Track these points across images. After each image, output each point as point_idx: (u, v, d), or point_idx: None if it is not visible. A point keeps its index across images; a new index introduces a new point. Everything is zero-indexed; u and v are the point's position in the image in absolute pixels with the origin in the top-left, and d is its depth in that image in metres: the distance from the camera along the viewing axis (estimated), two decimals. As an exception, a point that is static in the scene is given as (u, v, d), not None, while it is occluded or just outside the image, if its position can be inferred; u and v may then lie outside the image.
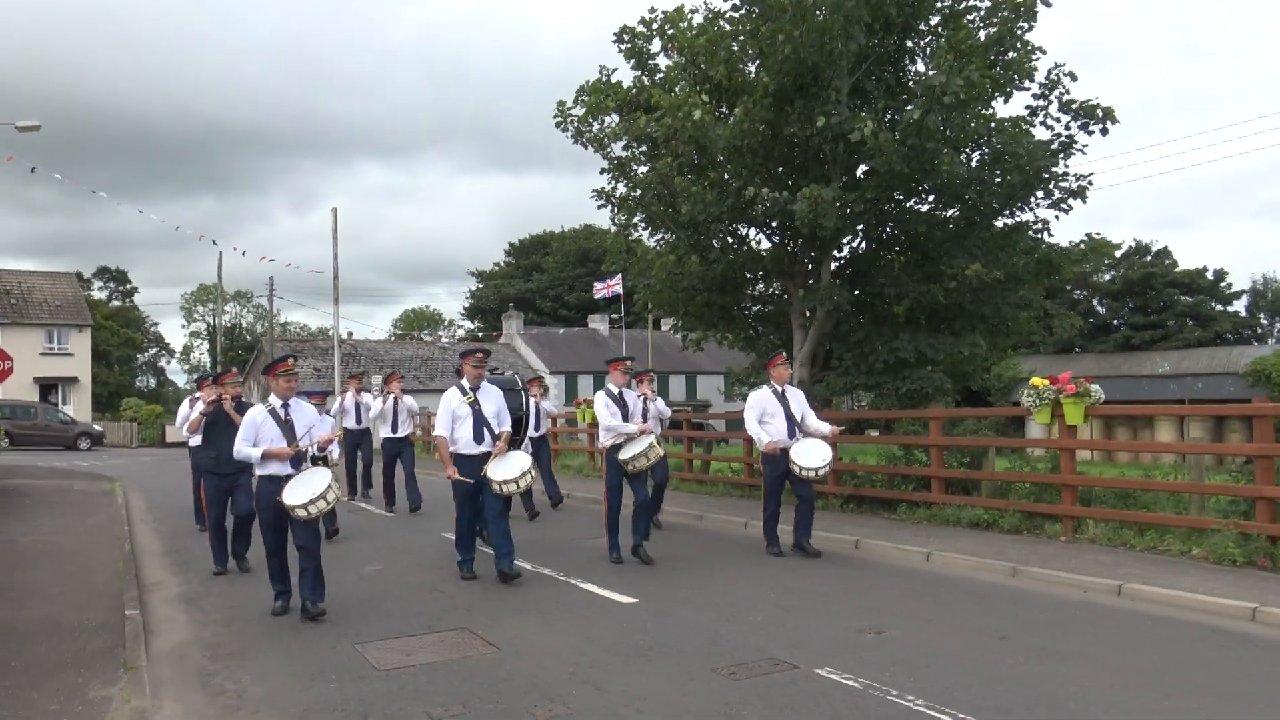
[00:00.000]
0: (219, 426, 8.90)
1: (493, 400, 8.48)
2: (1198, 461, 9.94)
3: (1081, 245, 14.22)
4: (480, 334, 70.01)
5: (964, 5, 13.27)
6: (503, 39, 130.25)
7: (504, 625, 6.79)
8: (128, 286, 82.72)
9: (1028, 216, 13.99)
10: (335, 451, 10.27)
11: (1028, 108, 14.01)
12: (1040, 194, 13.21)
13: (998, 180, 12.75)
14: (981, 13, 13.07)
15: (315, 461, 7.31)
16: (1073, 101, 13.23)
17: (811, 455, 9.25)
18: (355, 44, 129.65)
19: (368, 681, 5.49)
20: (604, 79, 14.34)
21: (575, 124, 14.16)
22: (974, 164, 12.60)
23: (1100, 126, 13.18)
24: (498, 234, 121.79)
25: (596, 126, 14.17)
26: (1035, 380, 10.38)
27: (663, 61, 14.23)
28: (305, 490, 6.93)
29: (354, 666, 5.79)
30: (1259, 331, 60.25)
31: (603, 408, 9.47)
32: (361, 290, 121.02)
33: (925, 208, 13.49)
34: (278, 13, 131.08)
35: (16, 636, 6.40)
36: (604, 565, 9.06)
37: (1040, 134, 13.76)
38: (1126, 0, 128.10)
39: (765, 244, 14.70)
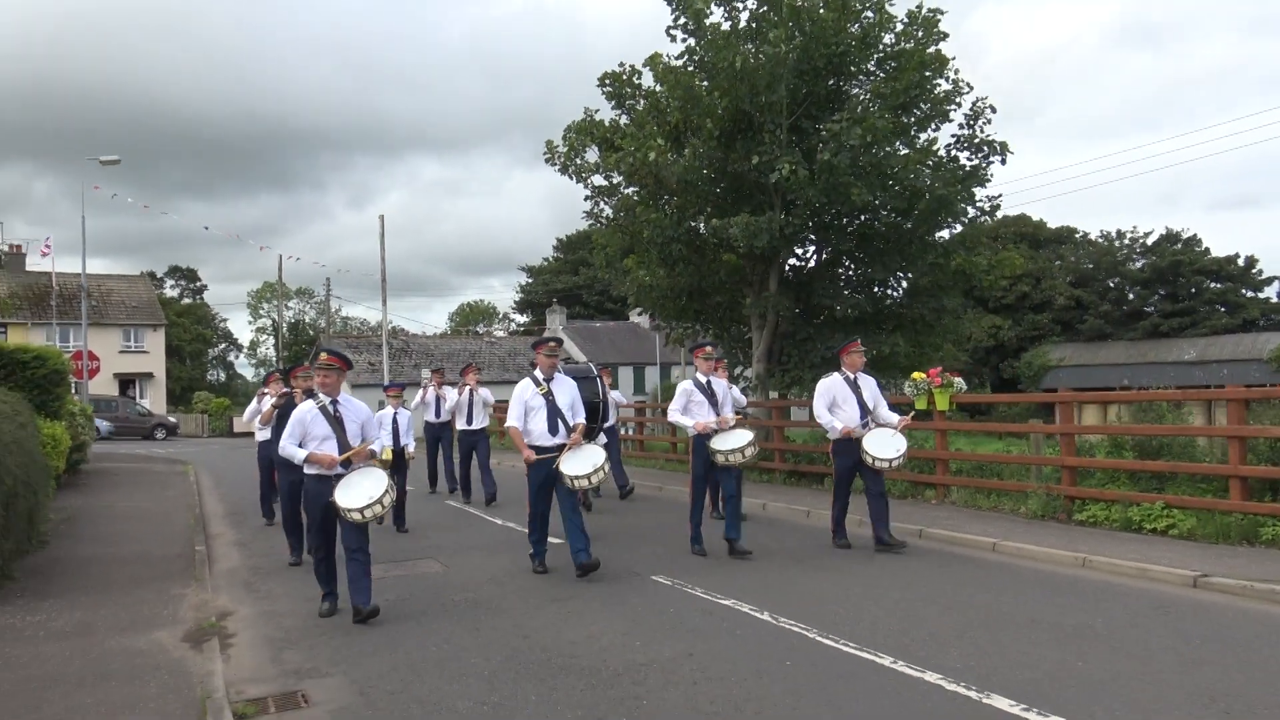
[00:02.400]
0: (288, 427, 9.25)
1: (566, 391, 8.32)
2: (1036, 439, 12.21)
3: (989, 259, 16.46)
4: (530, 328, 73.15)
5: (883, 55, 15.66)
6: (557, 33, 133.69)
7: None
8: (198, 284, 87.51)
9: (946, 234, 16.37)
10: (412, 446, 11.02)
11: (954, 136, 16.40)
12: (950, 217, 15.48)
13: (915, 211, 15.07)
14: (895, 66, 15.43)
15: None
16: (974, 137, 15.58)
17: (886, 445, 8.99)
18: (411, 41, 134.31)
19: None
20: (587, 119, 16.92)
21: (561, 159, 16.76)
22: (885, 194, 14.86)
23: (1000, 158, 15.57)
24: (551, 228, 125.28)
25: (579, 160, 16.75)
26: (915, 374, 12.74)
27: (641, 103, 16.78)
28: (361, 493, 6.68)
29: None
30: (1281, 316, 60.51)
31: (684, 397, 9.19)
32: (420, 283, 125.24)
33: (852, 229, 15.81)
34: (335, 13, 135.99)
35: (123, 562, 9.23)
36: (695, 560, 8.81)
37: (971, 155, 16.22)
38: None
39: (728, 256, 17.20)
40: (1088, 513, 10.24)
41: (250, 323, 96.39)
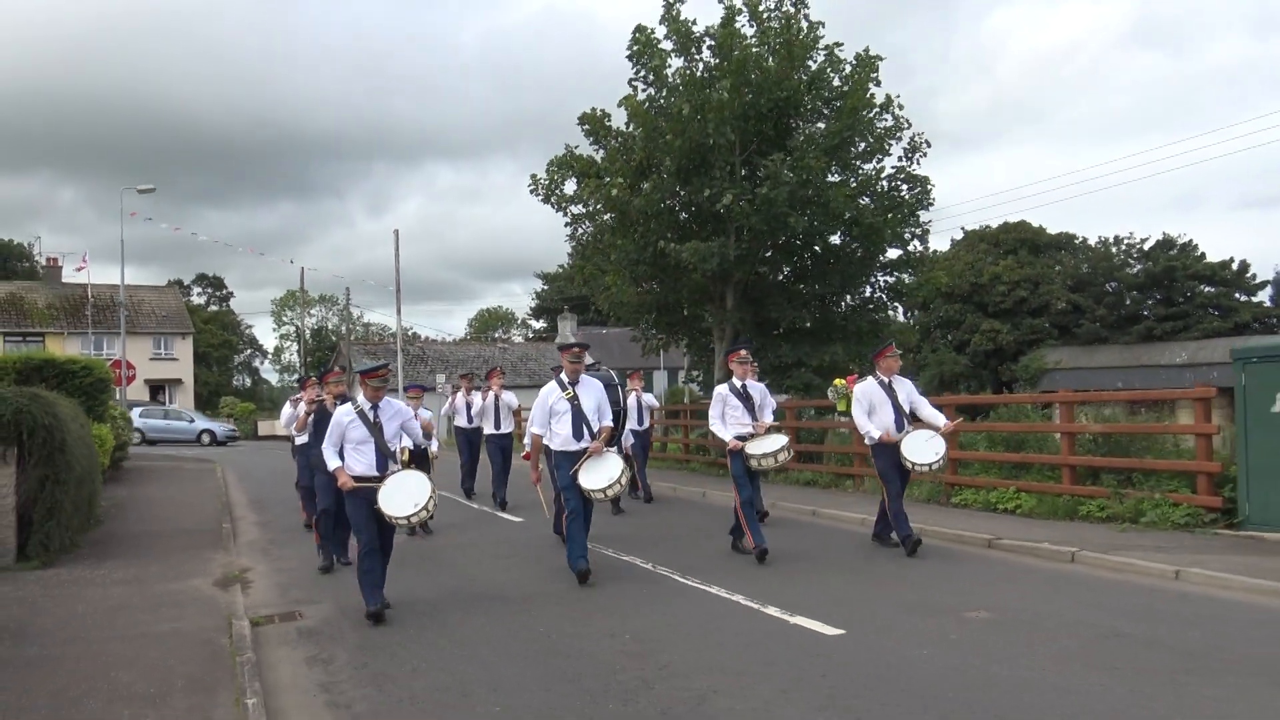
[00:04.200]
0: (325, 424, 8.33)
1: (592, 395, 8.21)
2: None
3: (918, 279, 18.54)
4: (545, 334, 75.41)
5: (830, 94, 17.75)
6: (569, 39, 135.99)
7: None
8: (224, 292, 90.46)
9: (893, 254, 18.46)
10: (435, 445, 10.90)
11: (894, 168, 18.48)
12: (882, 243, 17.55)
13: (850, 236, 17.16)
14: (840, 105, 17.51)
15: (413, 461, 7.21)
16: (908, 170, 17.66)
17: (924, 450, 8.87)
18: (424, 49, 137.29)
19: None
20: (567, 154, 19.09)
21: (544, 189, 18.92)
22: (822, 222, 16.93)
23: (929, 200, 17.72)
24: (566, 234, 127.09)
25: (559, 191, 18.93)
26: (837, 380, 14.75)
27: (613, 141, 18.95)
28: (406, 500, 6.84)
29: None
30: (1277, 320, 61.76)
31: (720, 403, 9.16)
32: (440, 289, 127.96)
33: (796, 253, 17.90)
34: (349, 22, 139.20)
35: (164, 536, 11.43)
36: (770, 576, 8.22)
37: (912, 187, 18.32)
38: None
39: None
40: (961, 497, 12.26)
41: (274, 329, 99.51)
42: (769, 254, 17.40)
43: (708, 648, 5.89)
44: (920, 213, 18.31)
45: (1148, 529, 9.69)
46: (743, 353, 9.37)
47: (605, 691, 5.09)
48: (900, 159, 18.38)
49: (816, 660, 5.53)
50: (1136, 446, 11.27)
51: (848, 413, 14.74)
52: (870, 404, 9.24)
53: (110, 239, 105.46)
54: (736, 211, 15.91)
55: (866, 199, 17.73)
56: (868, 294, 18.24)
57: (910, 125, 18.30)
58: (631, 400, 12.94)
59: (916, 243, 17.88)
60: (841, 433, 14.97)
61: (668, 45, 17.63)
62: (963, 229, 65.96)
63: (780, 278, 18.49)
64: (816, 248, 17.32)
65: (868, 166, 18.42)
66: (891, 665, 5.38)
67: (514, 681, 5.33)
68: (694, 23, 17.43)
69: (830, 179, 17.99)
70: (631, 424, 12.34)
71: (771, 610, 6.81)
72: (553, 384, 8.30)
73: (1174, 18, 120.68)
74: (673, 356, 42.25)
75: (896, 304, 19.33)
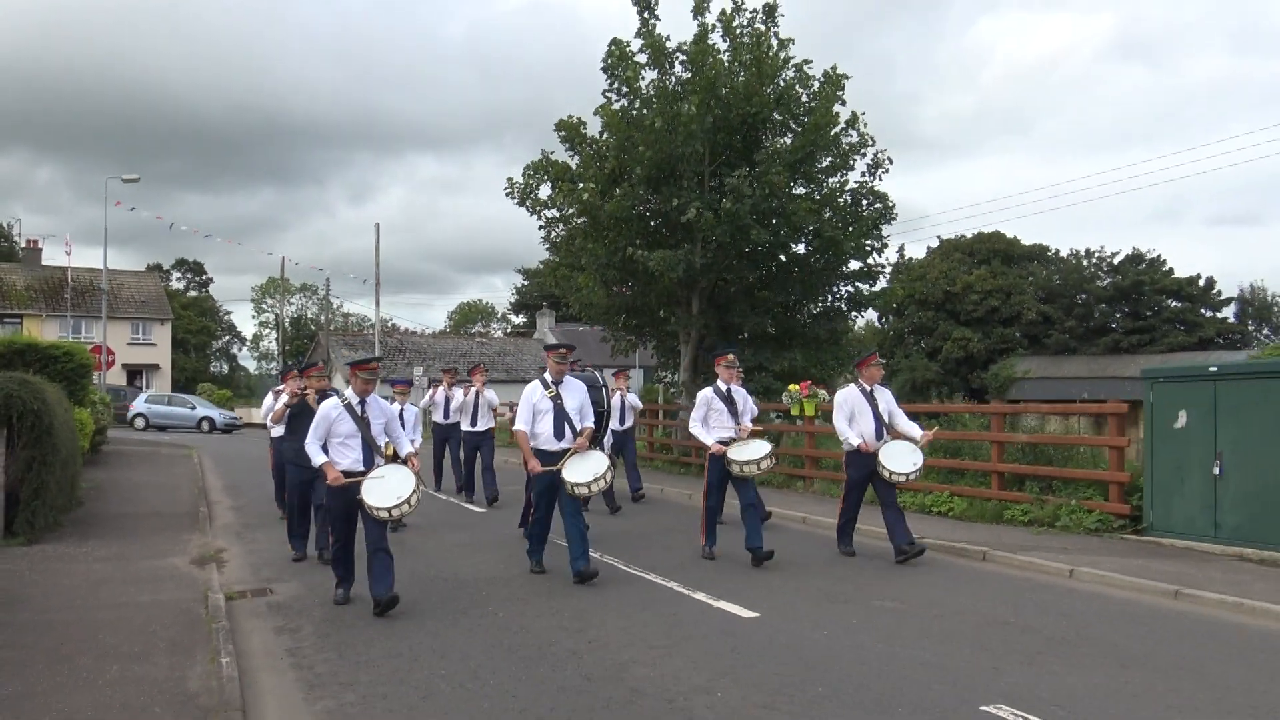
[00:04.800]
0: (303, 419, 8.69)
1: (575, 395, 8.23)
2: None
3: (877, 293, 19.34)
4: (524, 329, 75.87)
5: (799, 109, 18.48)
6: (553, 32, 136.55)
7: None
8: (204, 277, 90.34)
9: (853, 265, 19.23)
10: (418, 441, 10.25)
11: (857, 182, 19.24)
12: (842, 254, 18.32)
13: (812, 248, 17.91)
14: (807, 120, 18.25)
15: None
16: (871, 185, 18.44)
17: (902, 460, 8.99)
18: (408, 40, 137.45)
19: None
20: (543, 159, 19.72)
21: (519, 193, 19.56)
22: (785, 234, 17.67)
23: (892, 214, 18.48)
24: (540, 236, 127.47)
25: (534, 196, 19.57)
26: (791, 386, 15.52)
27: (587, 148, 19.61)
28: (389, 493, 6.89)
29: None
30: (1243, 337, 63.22)
31: (704, 406, 9.12)
32: (421, 280, 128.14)
33: (760, 262, 18.63)
34: (336, 9, 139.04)
35: (143, 517, 12.02)
36: (708, 566, 8.83)
37: (873, 202, 19.07)
38: None
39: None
40: (900, 500, 12.97)
41: (254, 316, 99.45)
42: (733, 262, 18.08)
43: (635, 626, 6.60)
44: (883, 226, 19.09)
45: (1061, 533, 10.48)
46: (729, 356, 9.35)
47: (539, 659, 5.79)
48: (863, 174, 19.15)
49: (728, 638, 6.25)
50: (1060, 456, 12.07)
51: (801, 417, 15.55)
52: (851, 411, 9.27)
53: (88, 220, 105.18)
54: (702, 222, 16.62)
55: (829, 212, 18.46)
56: (829, 303, 19.00)
57: (874, 142, 19.08)
58: (616, 400, 12.96)
59: (875, 255, 18.65)
60: (793, 435, 15.72)
61: (642, 58, 18.31)
62: (939, 238, 67.00)
63: (744, 285, 19.19)
64: (781, 257, 18.03)
65: (832, 180, 19.18)
66: (792, 644, 6.10)
67: (459, 650, 6.01)
68: (668, 38, 18.14)
69: (797, 191, 18.77)
70: (613, 424, 12.33)
71: (699, 596, 7.53)
72: (536, 383, 8.30)
73: (1156, 33, 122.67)
74: (646, 355, 43.21)
75: (856, 313, 20.11)
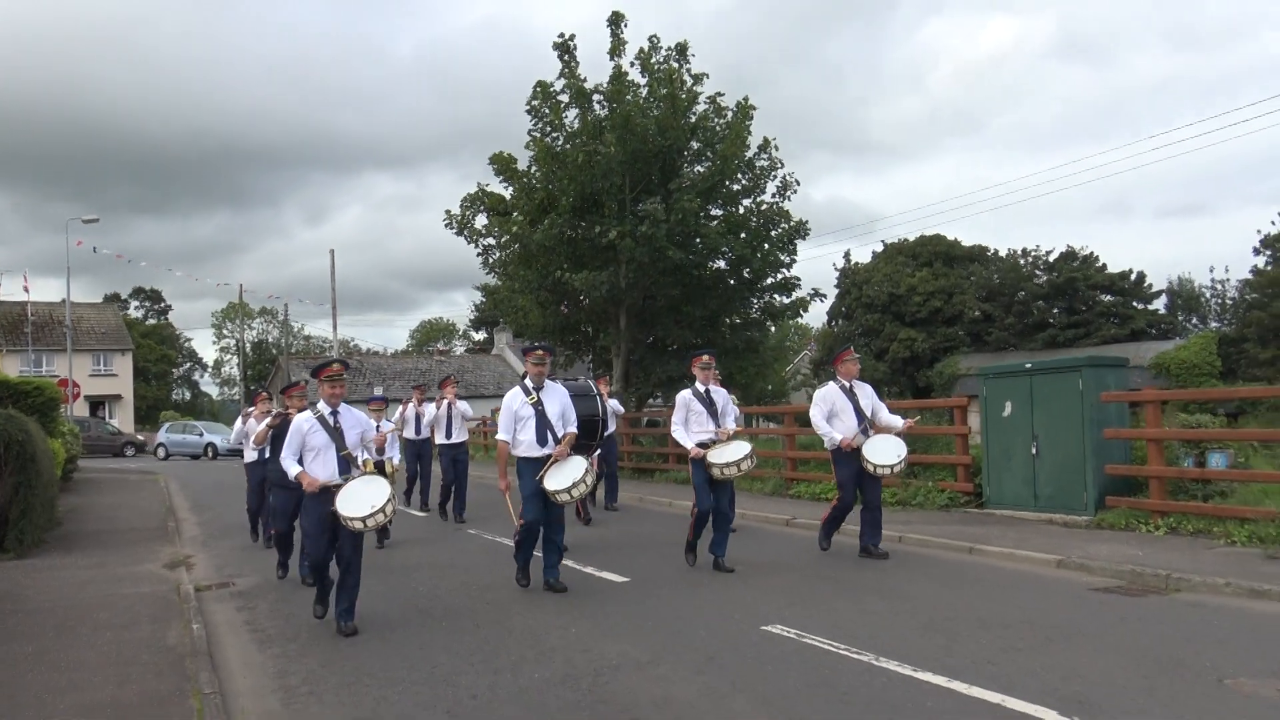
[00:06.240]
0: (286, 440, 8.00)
1: (557, 400, 8.10)
2: (783, 440, 16.73)
3: (788, 303, 21.15)
4: (484, 346, 77.14)
5: (712, 136, 20.26)
6: (507, 49, 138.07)
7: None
8: (162, 305, 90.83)
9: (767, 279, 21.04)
10: (396, 457, 10.76)
11: (767, 204, 21.04)
12: (754, 271, 20.12)
13: (725, 267, 19.69)
14: (719, 148, 20.04)
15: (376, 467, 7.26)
16: (775, 204, 20.26)
17: (885, 452, 9.01)
18: (361, 60, 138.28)
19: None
20: (479, 191, 21.39)
21: (457, 223, 21.17)
22: (697, 255, 19.42)
23: (804, 231, 20.29)
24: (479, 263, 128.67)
25: (471, 226, 21.19)
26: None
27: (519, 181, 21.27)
28: (364, 502, 6.73)
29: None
30: (1173, 326, 66.04)
31: (683, 409, 9.00)
32: (381, 299, 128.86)
33: (678, 281, 20.36)
34: (285, 35, 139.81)
35: (118, 533, 13.46)
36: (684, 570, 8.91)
37: (783, 222, 20.87)
38: None
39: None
40: (796, 490, 14.78)
41: (214, 342, 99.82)
42: (656, 281, 19.77)
43: (528, 592, 8.23)
44: (798, 241, 20.89)
45: (918, 510, 12.26)
46: (705, 358, 9.23)
47: (445, 615, 7.40)
48: (774, 195, 20.96)
49: (598, 595, 7.91)
50: (922, 444, 13.86)
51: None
52: (831, 409, 9.26)
53: (41, 249, 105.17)
54: (622, 246, 18.33)
55: (744, 234, 20.23)
56: (746, 315, 20.81)
57: (783, 165, 20.93)
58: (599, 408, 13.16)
59: (785, 270, 20.49)
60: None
61: (565, 98, 20.02)
62: (883, 242, 69.34)
63: (668, 302, 20.93)
64: (696, 273, 19.76)
65: (747, 202, 20.99)
66: (645, 600, 7.76)
67: (380, 613, 7.59)
68: (584, 80, 19.84)
69: (715, 211, 20.56)
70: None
71: (588, 569, 9.17)
72: (517, 389, 8.18)
73: (1095, 32, 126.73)
74: (584, 369, 45.07)
75: (771, 323, 21.90)
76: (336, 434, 7.06)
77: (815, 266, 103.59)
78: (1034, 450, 11.22)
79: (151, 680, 5.73)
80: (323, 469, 7.03)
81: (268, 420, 10.18)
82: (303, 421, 7.12)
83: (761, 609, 7.12)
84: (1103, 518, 10.33)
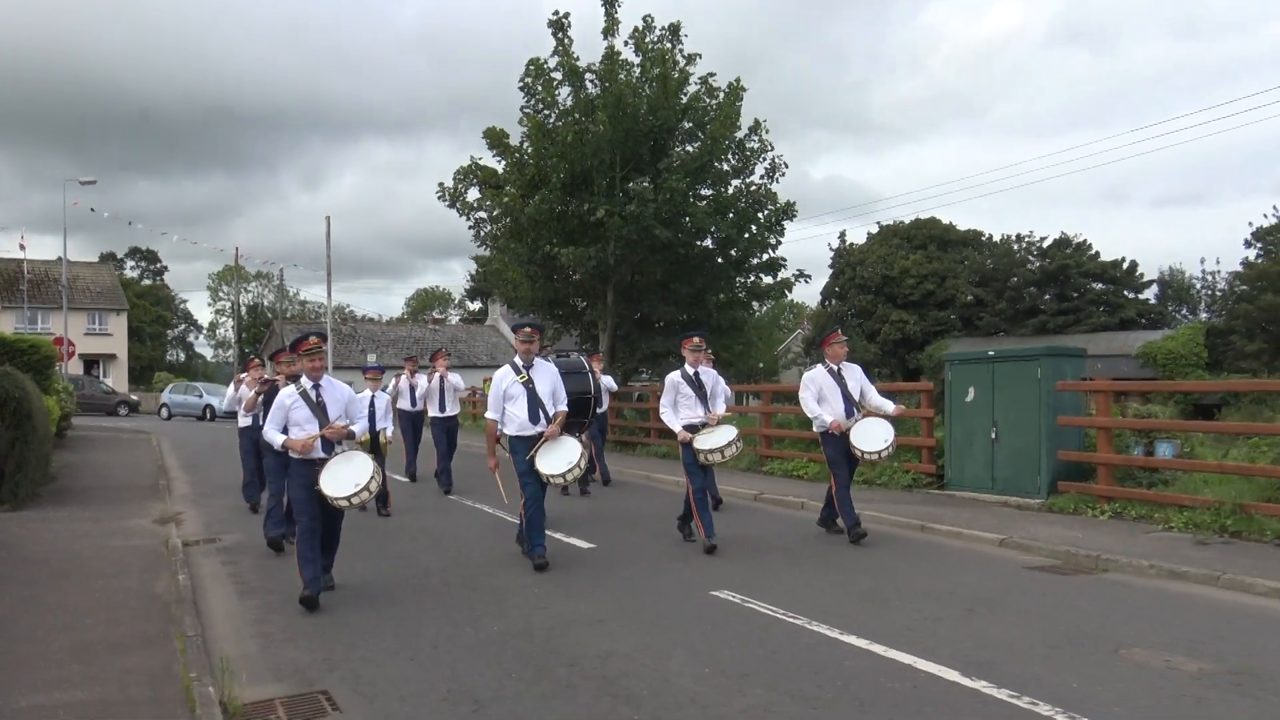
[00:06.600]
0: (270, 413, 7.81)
1: (548, 378, 8.03)
2: (757, 419, 17.19)
3: (773, 283, 21.55)
4: (479, 316, 77.49)
5: (703, 117, 20.57)
6: (507, 17, 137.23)
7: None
8: (158, 265, 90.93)
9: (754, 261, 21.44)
10: (390, 429, 10.76)
11: (755, 186, 21.39)
12: (738, 251, 20.51)
13: (711, 246, 20.08)
14: (710, 128, 20.36)
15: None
16: (768, 188, 20.63)
17: (872, 438, 8.96)
18: (360, 25, 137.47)
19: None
20: (472, 165, 21.69)
21: (450, 196, 21.50)
22: (685, 234, 19.80)
23: (791, 213, 20.66)
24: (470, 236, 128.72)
25: (463, 199, 21.53)
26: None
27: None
28: (348, 481, 6.70)
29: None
30: (1162, 316, 66.61)
31: (672, 390, 8.96)
32: (379, 265, 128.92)
33: (662, 259, 20.75)
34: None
35: (111, 489, 13.90)
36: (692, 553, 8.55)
37: (770, 204, 21.24)
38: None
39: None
40: (769, 467, 15.25)
41: (210, 304, 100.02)
42: (644, 258, 20.14)
43: (497, 556, 8.69)
44: (785, 222, 21.26)
45: (882, 489, 12.73)
46: (696, 340, 9.10)
47: (418, 575, 7.87)
48: (762, 177, 21.30)
49: (564, 559, 8.38)
50: (903, 428, 14.28)
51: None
52: (819, 390, 9.22)
53: (37, 206, 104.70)
54: (610, 224, 18.70)
55: (732, 214, 20.59)
56: (731, 295, 21.20)
57: (773, 148, 21.26)
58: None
59: (771, 250, 20.88)
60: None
61: (558, 75, 20.30)
62: (879, 223, 69.69)
63: (656, 279, 21.32)
64: (683, 252, 20.13)
65: (736, 182, 21.33)
66: (607, 566, 8.23)
67: (373, 576, 8.04)
68: (578, 59, 20.12)
69: (705, 192, 20.90)
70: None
71: (558, 535, 9.62)
72: (506, 368, 8.11)
73: (1099, 18, 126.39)
74: (572, 342, 45.62)
75: (756, 303, 22.32)
76: (320, 409, 6.93)
77: (812, 246, 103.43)
78: (994, 435, 11.67)
79: (140, 623, 6.19)
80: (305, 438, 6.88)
81: (245, 387, 10.38)
82: (285, 396, 7.04)
83: (714, 577, 7.58)
84: (1054, 501, 10.80)
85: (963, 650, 5.48)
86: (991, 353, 12.14)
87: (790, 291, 21.09)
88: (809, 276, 21.83)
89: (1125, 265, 65.60)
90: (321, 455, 6.88)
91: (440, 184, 21.37)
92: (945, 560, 8.34)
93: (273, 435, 7.01)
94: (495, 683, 5.07)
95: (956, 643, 5.64)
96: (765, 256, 20.99)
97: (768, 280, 21.54)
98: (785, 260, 21.88)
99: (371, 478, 6.73)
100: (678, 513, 9.38)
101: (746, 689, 4.88)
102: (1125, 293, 65.00)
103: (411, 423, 14.24)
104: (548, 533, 8.44)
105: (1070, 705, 4.53)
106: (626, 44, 20.62)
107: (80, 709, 4.63)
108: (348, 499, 6.66)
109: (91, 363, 53.60)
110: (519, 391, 7.94)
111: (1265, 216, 59.84)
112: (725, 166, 20.96)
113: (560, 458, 7.81)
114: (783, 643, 5.68)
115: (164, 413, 40.53)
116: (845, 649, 5.54)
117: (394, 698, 4.89)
